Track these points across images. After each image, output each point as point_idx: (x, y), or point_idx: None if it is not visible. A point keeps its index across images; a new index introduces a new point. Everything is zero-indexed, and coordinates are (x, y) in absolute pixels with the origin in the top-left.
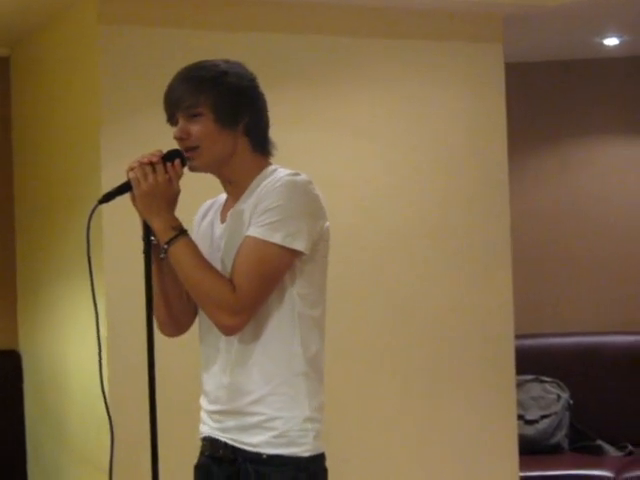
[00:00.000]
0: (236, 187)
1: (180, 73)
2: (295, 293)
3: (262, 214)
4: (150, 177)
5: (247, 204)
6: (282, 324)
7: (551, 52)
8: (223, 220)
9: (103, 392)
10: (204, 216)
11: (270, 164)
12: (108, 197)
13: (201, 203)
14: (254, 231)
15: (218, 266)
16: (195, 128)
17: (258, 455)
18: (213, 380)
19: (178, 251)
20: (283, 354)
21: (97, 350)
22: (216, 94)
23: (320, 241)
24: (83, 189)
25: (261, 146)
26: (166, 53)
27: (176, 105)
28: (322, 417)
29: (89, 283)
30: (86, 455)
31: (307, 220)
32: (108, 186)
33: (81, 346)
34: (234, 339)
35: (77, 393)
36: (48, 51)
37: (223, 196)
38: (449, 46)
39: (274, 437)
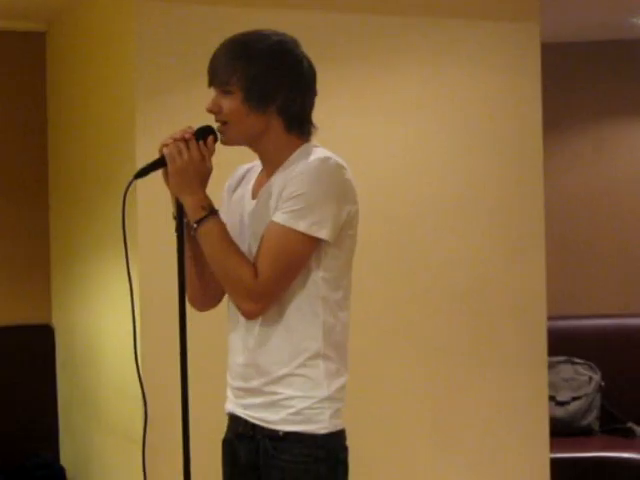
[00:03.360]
0: (269, 163)
1: (225, 43)
2: (319, 277)
3: (288, 200)
4: (185, 154)
5: (276, 184)
6: (304, 307)
7: (587, 32)
8: (254, 195)
9: (137, 365)
10: (238, 184)
11: (307, 142)
12: (143, 172)
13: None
14: (279, 217)
15: (245, 246)
16: (226, 104)
17: (275, 432)
18: (235, 357)
19: (206, 231)
20: (303, 336)
21: (131, 324)
22: (249, 75)
23: (347, 226)
24: (117, 165)
25: (298, 127)
26: (202, 29)
27: (212, 77)
28: (342, 397)
29: (123, 258)
30: (118, 427)
31: (333, 207)
32: (142, 161)
33: (114, 320)
34: (255, 322)
35: (110, 366)
36: (84, 27)
37: (259, 164)
38: (485, 25)
39: (291, 414)
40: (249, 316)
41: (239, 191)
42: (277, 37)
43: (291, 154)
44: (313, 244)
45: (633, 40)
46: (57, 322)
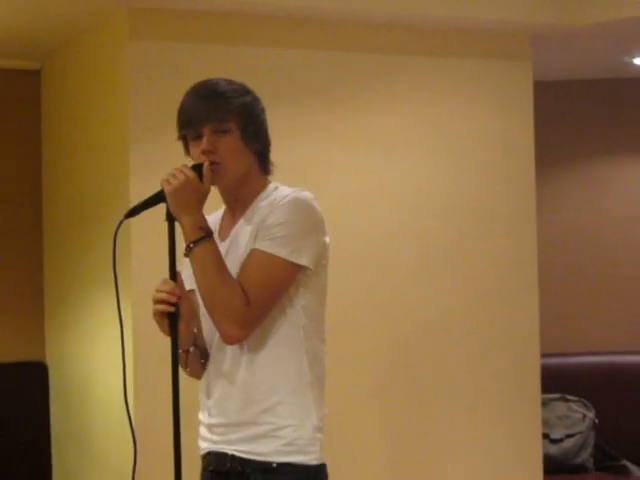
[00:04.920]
0: (241, 205)
1: (198, 90)
2: (299, 306)
3: (269, 229)
4: (180, 175)
5: (252, 222)
6: (288, 336)
7: (580, 71)
8: (224, 237)
9: (126, 403)
10: None
11: (270, 182)
12: (134, 211)
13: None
14: (262, 245)
15: None
16: (223, 143)
17: (268, 464)
18: (218, 393)
19: (201, 253)
20: (291, 365)
21: (122, 363)
22: (244, 113)
23: (322, 256)
24: (111, 203)
25: (265, 165)
26: (195, 69)
27: (206, 118)
28: (324, 427)
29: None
30: (109, 464)
31: (312, 236)
32: (136, 201)
33: (107, 358)
34: (241, 353)
35: (102, 405)
36: (78, 65)
37: (219, 212)
38: (478, 64)
39: (284, 445)
40: (233, 341)
41: None
42: (230, 83)
43: (259, 194)
44: (295, 271)
45: (625, 79)
46: (51, 360)
